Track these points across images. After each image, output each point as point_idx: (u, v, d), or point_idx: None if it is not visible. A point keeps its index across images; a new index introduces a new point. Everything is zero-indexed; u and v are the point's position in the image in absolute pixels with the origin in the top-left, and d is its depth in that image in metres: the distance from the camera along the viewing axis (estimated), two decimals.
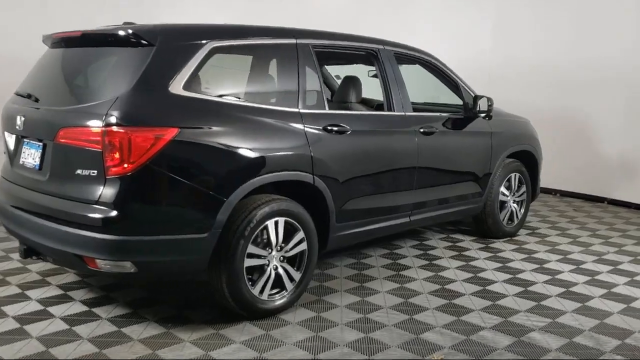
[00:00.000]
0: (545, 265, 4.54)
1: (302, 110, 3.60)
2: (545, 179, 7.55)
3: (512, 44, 7.76)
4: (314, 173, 3.57)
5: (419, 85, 5.39)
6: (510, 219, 5.36)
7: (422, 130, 4.30)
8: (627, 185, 6.85)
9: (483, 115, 4.73)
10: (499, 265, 4.53)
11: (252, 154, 3.27)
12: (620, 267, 4.57)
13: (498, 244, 5.12)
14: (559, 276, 4.30)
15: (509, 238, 5.32)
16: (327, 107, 3.78)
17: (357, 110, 4.33)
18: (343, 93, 4.42)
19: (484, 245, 5.06)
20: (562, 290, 4.02)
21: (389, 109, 4.23)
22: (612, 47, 6.80)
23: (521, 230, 5.57)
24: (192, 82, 3.18)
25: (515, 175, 5.30)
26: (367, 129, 4.00)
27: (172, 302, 3.64)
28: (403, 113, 4.25)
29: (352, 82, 4.43)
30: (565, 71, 7.22)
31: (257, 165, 3.31)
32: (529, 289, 4.03)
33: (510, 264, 4.56)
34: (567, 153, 7.31)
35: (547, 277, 4.27)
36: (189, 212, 3.11)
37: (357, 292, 3.87)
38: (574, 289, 4.05)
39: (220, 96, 3.33)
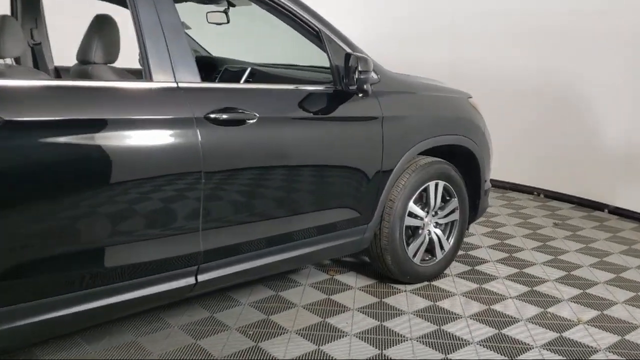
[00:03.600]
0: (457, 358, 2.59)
1: None
2: (525, 173, 5.50)
3: None
4: None
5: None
6: (430, 252, 3.38)
7: (212, 116, 2.32)
8: (636, 189, 4.75)
9: (353, 88, 2.71)
10: (373, 352, 2.59)
11: None
12: None
13: (400, 298, 3.16)
14: None
15: (426, 282, 3.36)
16: None
17: (103, 79, 2.39)
18: (83, 47, 2.48)
19: (375, 301, 3.10)
20: None
21: (147, 77, 2.26)
22: None
23: (455, 264, 3.60)
24: None
25: (436, 184, 3.28)
26: (55, 117, 1.98)
27: None
28: (172, 84, 2.26)
29: (98, 27, 2.48)
30: (557, 23, 5.07)
31: None
32: None
33: (394, 351, 2.61)
34: (556, 139, 5.20)
35: None
36: None
37: None
38: None
39: None
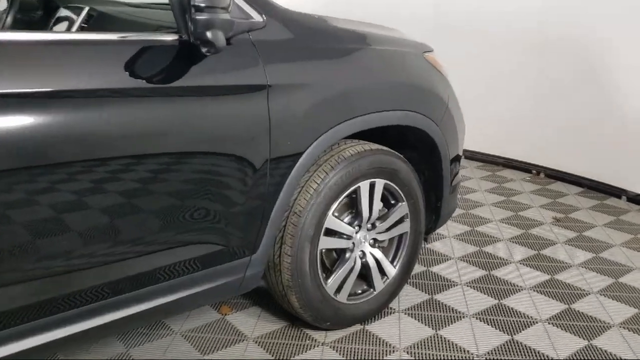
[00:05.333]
0: None
1: None
2: (522, 147, 4.36)
3: None
4: None
5: None
6: (367, 281, 2.31)
7: None
8: None
9: (197, 40, 1.58)
10: None
11: None
12: None
13: (312, 356, 2.11)
14: None
15: (358, 325, 2.31)
16: None
17: None
18: None
19: None
20: None
21: None
22: None
23: (407, 290, 2.54)
24: None
25: (372, 184, 2.18)
26: None
27: None
28: None
29: None
30: None
31: None
32: None
33: None
34: (563, 103, 4.04)
35: None
36: None
37: None
38: None
39: None
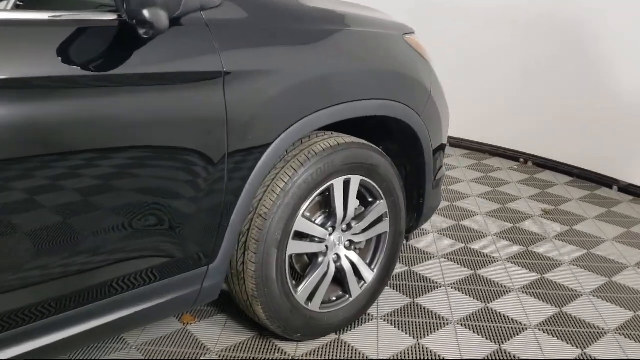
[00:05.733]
0: None
1: None
2: (510, 134, 4.17)
3: None
4: None
5: None
6: (342, 286, 2.11)
7: None
8: None
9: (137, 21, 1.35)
10: None
11: None
12: None
13: None
14: None
15: (333, 335, 2.12)
16: None
17: None
18: None
19: None
20: None
21: None
22: None
23: (386, 294, 2.34)
24: None
25: (347, 181, 1.97)
26: None
27: None
28: None
29: None
30: None
31: None
32: None
33: None
34: (553, 88, 3.85)
35: None
36: None
37: None
38: None
39: None
